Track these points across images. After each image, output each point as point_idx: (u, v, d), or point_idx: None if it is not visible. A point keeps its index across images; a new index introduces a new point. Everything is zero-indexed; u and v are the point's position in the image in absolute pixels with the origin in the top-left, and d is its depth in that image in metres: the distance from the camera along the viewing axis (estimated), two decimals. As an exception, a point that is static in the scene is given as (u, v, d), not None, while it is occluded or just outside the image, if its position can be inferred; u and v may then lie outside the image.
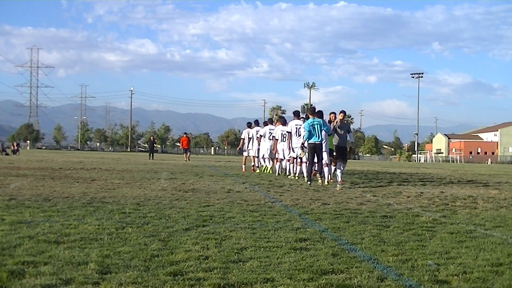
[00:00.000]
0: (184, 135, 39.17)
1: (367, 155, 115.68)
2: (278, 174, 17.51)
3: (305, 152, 13.90)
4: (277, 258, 4.61)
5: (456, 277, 4.15)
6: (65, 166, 21.29)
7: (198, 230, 5.91)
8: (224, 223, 6.55)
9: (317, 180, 13.98)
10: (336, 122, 13.62)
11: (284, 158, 17.11)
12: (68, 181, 12.61)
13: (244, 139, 20.71)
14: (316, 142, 13.18)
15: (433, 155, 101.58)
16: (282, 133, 16.95)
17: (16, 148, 46.05)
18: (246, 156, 20.58)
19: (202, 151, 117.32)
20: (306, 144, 13.56)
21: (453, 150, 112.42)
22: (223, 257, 4.59)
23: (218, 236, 5.54)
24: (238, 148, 20.67)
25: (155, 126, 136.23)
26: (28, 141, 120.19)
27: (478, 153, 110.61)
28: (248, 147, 20.23)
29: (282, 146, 17.05)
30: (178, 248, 4.92)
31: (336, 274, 4.15)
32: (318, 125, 13.22)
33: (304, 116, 15.61)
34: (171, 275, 3.98)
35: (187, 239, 5.35)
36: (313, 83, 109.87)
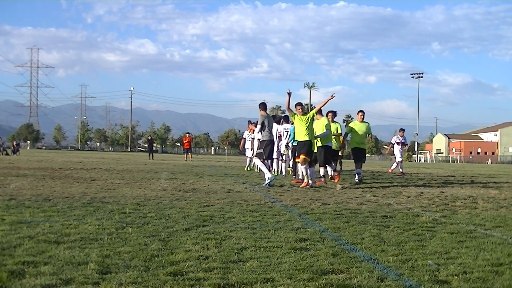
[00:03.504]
0: (187, 135, 39.07)
1: (367, 155, 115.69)
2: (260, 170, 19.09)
3: (288, 150, 15.81)
4: (277, 258, 4.61)
5: (456, 277, 4.15)
6: (65, 166, 21.30)
7: (198, 230, 5.91)
8: (224, 223, 6.55)
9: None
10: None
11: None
12: (68, 181, 12.61)
13: (245, 138, 21.31)
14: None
15: (433, 155, 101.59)
16: None
17: (16, 147, 46.06)
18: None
19: (202, 151, 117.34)
20: (290, 145, 15.27)
21: (453, 150, 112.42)
22: (223, 257, 4.59)
23: (218, 236, 5.54)
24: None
25: (155, 126, 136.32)
26: (28, 141, 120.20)
27: (478, 153, 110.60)
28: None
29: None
30: (178, 248, 4.92)
31: (336, 274, 4.14)
32: None
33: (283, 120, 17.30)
34: (171, 275, 3.98)
35: (187, 239, 5.35)
36: (313, 83, 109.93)
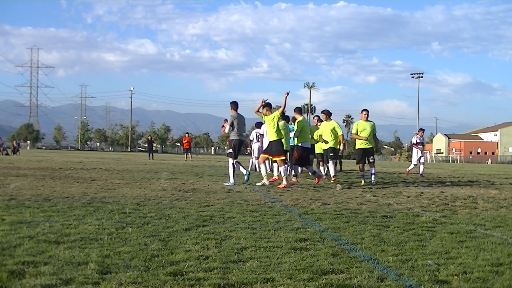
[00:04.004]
0: (186, 135, 39.15)
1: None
2: (254, 170, 19.12)
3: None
4: (277, 258, 4.61)
5: (456, 277, 4.15)
6: (65, 166, 21.29)
7: (198, 230, 5.91)
8: (224, 223, 6.55)
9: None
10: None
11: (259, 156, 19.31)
12: (68, 181, 12.61)
13: (252, 140, 20.79)
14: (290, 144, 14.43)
15: (433, 155, 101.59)
16: (256, 134, 19.04)
17: (16, 147, 46.05)
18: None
19: (202, 151, 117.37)
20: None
21: (453, 150, 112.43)
22: (223, 257, 4.59)
23: (218, 236, 5.54)
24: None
25: (155, 126, 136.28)
26: (28, 141, 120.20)
27: (478, 153, 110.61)
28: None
29: (257, 145, 18.91)
30: (178, 248, 4.92)
31: (336, 274, 4.15)
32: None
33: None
34: (171, 275, 3.98)
35: (187, 239, 5.35)
36: (313, 83, 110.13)
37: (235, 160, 13.16)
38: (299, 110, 14.50)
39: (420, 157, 20.33)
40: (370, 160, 14.06)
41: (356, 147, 14.41)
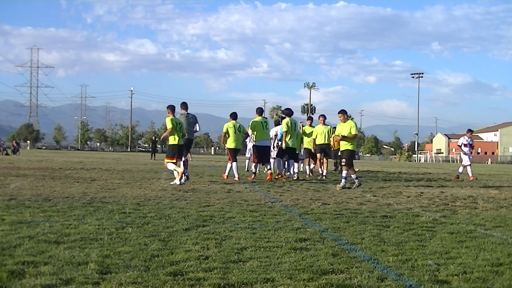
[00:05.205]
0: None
1: (367, 155, 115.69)
2: (247, 170, 19.39)
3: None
4: (277, 258, 4.61)
5: (456, 277, 4.15)
6: (65, 166, 21.30)
7: (198, 230, 5.91)
8: (224, 223, 6.55)
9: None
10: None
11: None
12: (68, 181, 12.61)
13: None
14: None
15: (433, 155, 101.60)
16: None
17: (16, 147, 46.03)
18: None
19: (202, 151, 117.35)
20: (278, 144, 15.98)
21: (453, 150, 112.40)
22: (223, 257, 4.59)
23: (218, 236, 5.54)
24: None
25: (155, 126, 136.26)
26: (28, 141, 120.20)
27: (478, 153, 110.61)
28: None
29: (250, 145, 19.01)
30: (178, 248, 4.92)
31: (336, 274, 4.15)
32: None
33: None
34: (171, 275, 3.98)
35: (187, 239, 5.35)
36: (313, 83, 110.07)
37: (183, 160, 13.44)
38: (259, 111, 15.00)
39: (468, 159, 19.15)
40: (342, 164, 12.87)
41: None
